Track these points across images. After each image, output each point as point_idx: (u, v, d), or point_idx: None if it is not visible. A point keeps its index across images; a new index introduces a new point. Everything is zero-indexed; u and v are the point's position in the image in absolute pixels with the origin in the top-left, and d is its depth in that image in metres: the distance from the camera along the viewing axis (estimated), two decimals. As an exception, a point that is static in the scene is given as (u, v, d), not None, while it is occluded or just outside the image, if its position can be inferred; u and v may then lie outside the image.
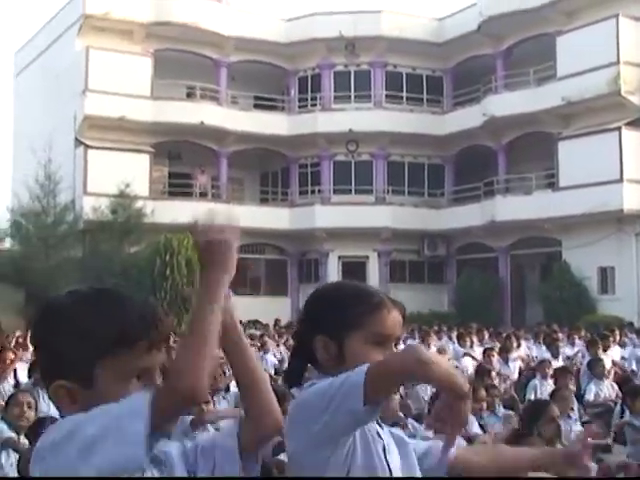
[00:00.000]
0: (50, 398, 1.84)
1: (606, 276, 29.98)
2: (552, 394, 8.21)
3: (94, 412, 1.69)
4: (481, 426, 8.66)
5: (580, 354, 14.76)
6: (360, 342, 2.28)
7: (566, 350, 15.97)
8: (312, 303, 2.41)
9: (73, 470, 1.63)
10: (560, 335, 18.10)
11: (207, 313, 1.78)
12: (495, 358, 13.44)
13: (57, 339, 1.78)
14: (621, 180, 28.72)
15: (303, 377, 2.39)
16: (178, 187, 35.19)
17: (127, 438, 1.62)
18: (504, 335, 17.51)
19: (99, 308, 1.78)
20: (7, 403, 6.67)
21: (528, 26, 32.58)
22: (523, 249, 33.37)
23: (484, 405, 8.03)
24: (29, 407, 6.28)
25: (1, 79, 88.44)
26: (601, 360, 11.37)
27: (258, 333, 21.73)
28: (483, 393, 8.13)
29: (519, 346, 16.14)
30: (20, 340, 16.11)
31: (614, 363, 13.49)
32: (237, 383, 2.12)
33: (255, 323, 28.24)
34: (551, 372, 10.86)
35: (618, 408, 8.99)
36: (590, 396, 10.59)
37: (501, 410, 9.30)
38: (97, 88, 32.63)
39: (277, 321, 28.33)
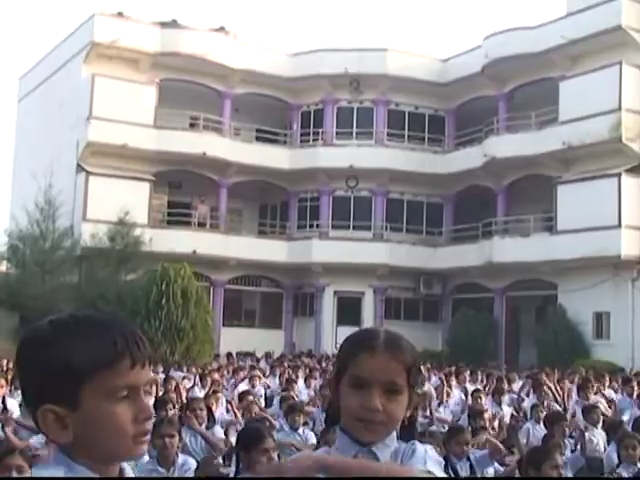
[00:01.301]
0: (37, 425, 1.83)
1: (601, 321, 29.96)
2: (544, 440, 8.17)
3: None
4: (471, 466, 8.59)
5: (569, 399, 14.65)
6: (345, 385, 2.35)
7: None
8: None
9: None
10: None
11: None
12: (484, 400, 13.39)
13: (41, 367, 1.80)
14: (619, 226, 28.79)
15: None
16: (177, 216, 35.25)
17: None
18: (495, 377, 17.47)
19: (80, 332, 1.80)
20: None
21: (532, 70, 32.86)
22: (519, 291, 33.40)
23: (468, 448, 7.94)
24: (19, 472, 5.43)
25: (4, 103, 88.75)
26: (597, 407, 11.28)
27: (247, 365, 21.65)
28: (467, 437, 8.06)
29: (510, 389, 16.09)
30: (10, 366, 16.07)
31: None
32: None
33: (246, 355, 28.17)
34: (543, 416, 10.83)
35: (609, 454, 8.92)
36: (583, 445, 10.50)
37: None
38: (101, 115, 32.77)
39: (268, 354, 28.24)
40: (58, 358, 1.79)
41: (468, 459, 7.90)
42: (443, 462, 2.40)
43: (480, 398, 13.22)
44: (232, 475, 6.70)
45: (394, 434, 2.37)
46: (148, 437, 1.88)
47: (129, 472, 1.91)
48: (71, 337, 1.80)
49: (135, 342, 1.84)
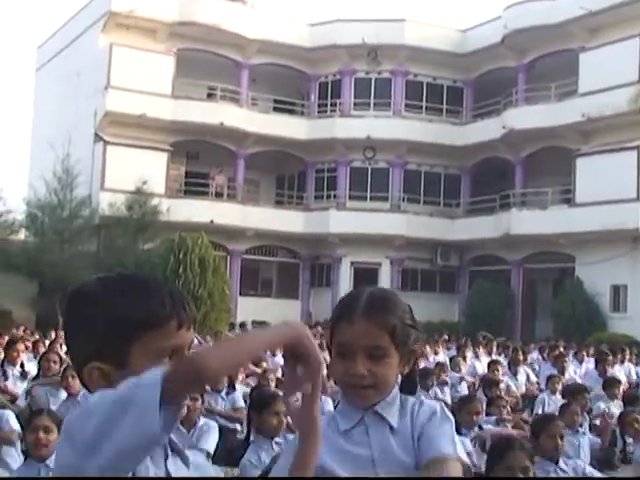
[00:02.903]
0: (82, 383, 1.87)
1: (618, 294, 29.90)
2: (562, 408, 8.18)
3: (111, 391, 1.69)
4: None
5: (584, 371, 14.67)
6: (333, 351, 2.39)
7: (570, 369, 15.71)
8: None
9: (93, 447, 1.64)
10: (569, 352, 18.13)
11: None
12: (502, 371, 13.42)
13: (90, 323, 1.82)
14: (638, 199, 28.63)
15: None
16: (194, 186, 35.29)
17: (140, 407, 1.60)
18: (511, 348, 17.49)
19: (130, 291, 1.82)
20: (24, 428, 5.98)
21: (552, 41, 32.59)
22: (536, 263, 33.32)
23: (478, 418, 7.98)
24: (46, 432, 5.42)
25: (22, 73, 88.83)
26: (618, 381, 11.26)
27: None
28: (478, 406, 8.10)
29: (525, 360, 16.12)
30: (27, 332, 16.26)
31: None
32: None
33: (260, 324, 28.20)
34: (559, 388, 10.85)
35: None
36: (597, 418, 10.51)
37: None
38: (119, 85, 32.78)
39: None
40: (107, 316, 1.81)
41: (480, 428, 7.95)
42: (453, 420, 2.40)
43: (497, 370, 13.23)
44: (243, 436, 6.85)
45: (395, 392, 2.39)
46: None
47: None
48: (121, 295, 1.82)
49: (182, 304, 1.87)
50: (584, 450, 7.91)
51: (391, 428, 2.35)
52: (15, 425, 6.73)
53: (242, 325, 26.81)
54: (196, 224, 29.82)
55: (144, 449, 1.64)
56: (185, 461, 1.93)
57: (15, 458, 6.57)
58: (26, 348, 12.96)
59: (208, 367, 1.63)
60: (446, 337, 22.42)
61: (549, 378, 11.54)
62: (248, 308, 32.71)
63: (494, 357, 16.45)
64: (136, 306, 1.81)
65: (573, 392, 9.44)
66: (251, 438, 6.24)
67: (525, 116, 32.90)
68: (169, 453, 1.89)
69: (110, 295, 1.84)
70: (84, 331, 1.84)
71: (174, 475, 1.86)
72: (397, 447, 2.32)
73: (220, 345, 1.71)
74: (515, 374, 13.91)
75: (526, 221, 32.01)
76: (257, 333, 1.78)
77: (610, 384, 10.74)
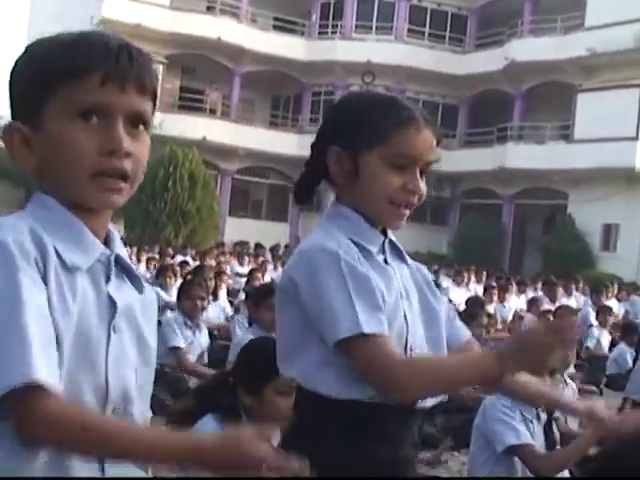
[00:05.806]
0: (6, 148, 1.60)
1: (609, 233, 29.77)
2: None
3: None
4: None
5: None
6: (378, 160, 2.05)
7: (563, 300, 15.80)
8: (333, 110, 2.22)
9: None
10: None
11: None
12: (495, 298, 13.40)
13: (17, 78, 1.59)
14: (636, 138, 28.35)
15: (314, 193, 2.30)
16: (188, 101, 34.78)
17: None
18: (502, 278, 17.46)
19: (65, 43, 1.56)
20: None
21: (560, -28, 31.89)
22: (529, 199, 33.07)
23: (483, 332, 8.00)
24: None
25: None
26: (610, 309, 11.36)
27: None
28: (484, 320, 8.12)
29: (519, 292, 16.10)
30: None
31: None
32: None
33: (242, 245, 27.56)
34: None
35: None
36: (592, 342, 10.60)
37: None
38: (116, -9, 32.06)
39: (276, 246, 27.90)
40: (29, 68, 1.56)
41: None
42: None
43: (493, 295, 13.25)
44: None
45: None
46: (121, 185, 1.57)
47: (115, 238, 1.65)
48: (54, 48, 1.57)
49: (117, 55, 1.55)
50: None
51: (407, 266, 2.16)
52: None
53: (241, 244, 26.30)
54: (188, 140, 29.43)
55: None
56: (135, 283, 1.65)
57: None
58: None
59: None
60: (436, 267, 22.19)
61: (532, 300, 11.58)
62: (236, 228, 32.49)
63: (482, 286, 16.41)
64: (60, 56, 1.54)
65: (561, 314, 9.39)
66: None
67: (529, 48, 32.27)
68: (112, 276, 1.59)
69: (43, 48, 1.58)
70: (13, 88, 1.60)
71: (116, 298, 1.58)
72: (413, 286, 2.13)
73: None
74: (503, 301, 13.86)
75: (522, 155, 31.64)
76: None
77: (602, 311, 10.74)
